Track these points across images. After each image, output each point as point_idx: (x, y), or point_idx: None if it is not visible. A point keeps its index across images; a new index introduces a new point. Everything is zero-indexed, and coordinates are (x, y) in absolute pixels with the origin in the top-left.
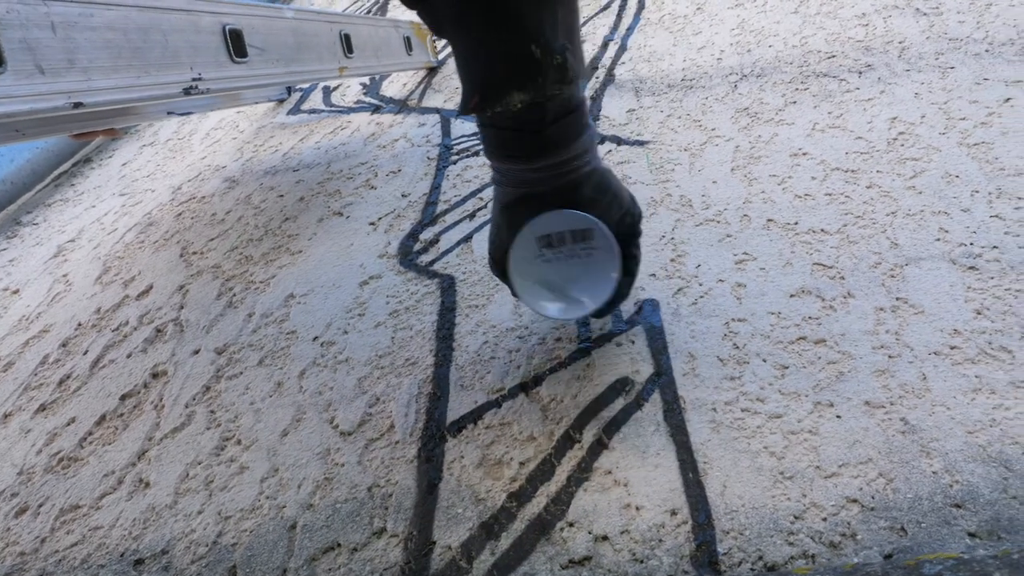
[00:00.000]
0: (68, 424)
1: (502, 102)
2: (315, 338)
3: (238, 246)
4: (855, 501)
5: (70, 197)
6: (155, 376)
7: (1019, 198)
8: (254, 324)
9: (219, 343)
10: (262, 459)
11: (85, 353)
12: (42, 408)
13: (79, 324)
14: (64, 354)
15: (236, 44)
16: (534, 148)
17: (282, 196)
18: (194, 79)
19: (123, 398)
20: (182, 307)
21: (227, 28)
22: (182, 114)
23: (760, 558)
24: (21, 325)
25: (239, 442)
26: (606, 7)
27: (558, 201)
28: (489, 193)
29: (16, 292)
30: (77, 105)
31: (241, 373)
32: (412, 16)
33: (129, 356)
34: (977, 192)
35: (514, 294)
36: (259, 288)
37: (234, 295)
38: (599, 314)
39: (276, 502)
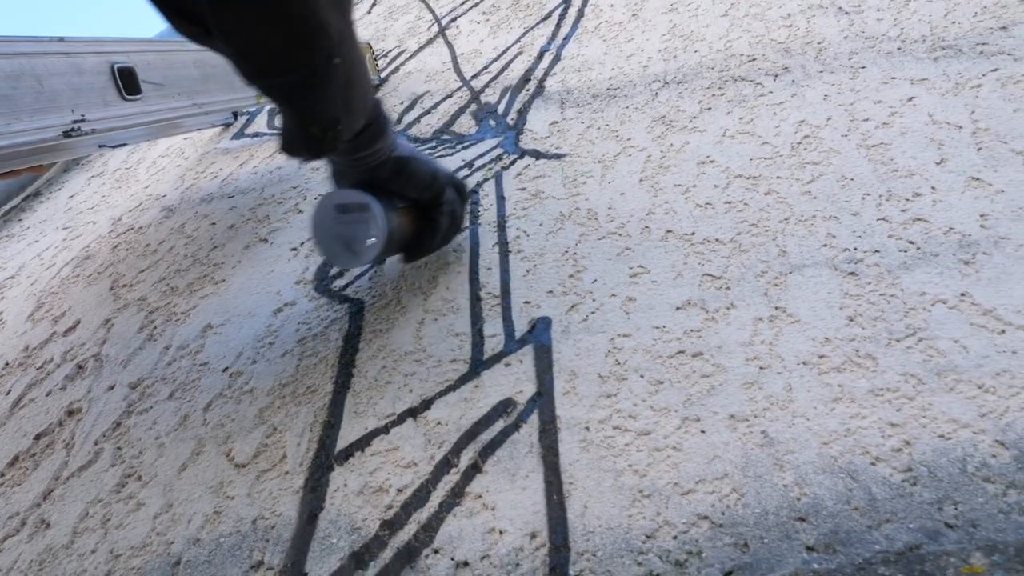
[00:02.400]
0: None
1: (297, 156)
2: (225, 369)
3: (166, 277)
4: (706, 518)
5: (16, 232)
6: (70, 414)
7: (907, 200)
8: (170, 357)
9: (134, 377)
10: (158, 495)
11: (8, 393)
12: None
13: (6, 363)
14: None
15: (127, 82)
16: (346, 150)
17: (214, 224)
18: (75, 121)
19: (37, 437)
20: (104, 342)
21: (116, 67)
22: (114, 146)
23: None
24: None
25: (139, 478)
26: (547, 16)
27: (362, 179)
28: None
29: None
30: None
31: (151, 407)
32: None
33: (48, 394)
34: (868, 195)
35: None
36: (180, 319)
37: (155, 328)
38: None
39: (165, 538)
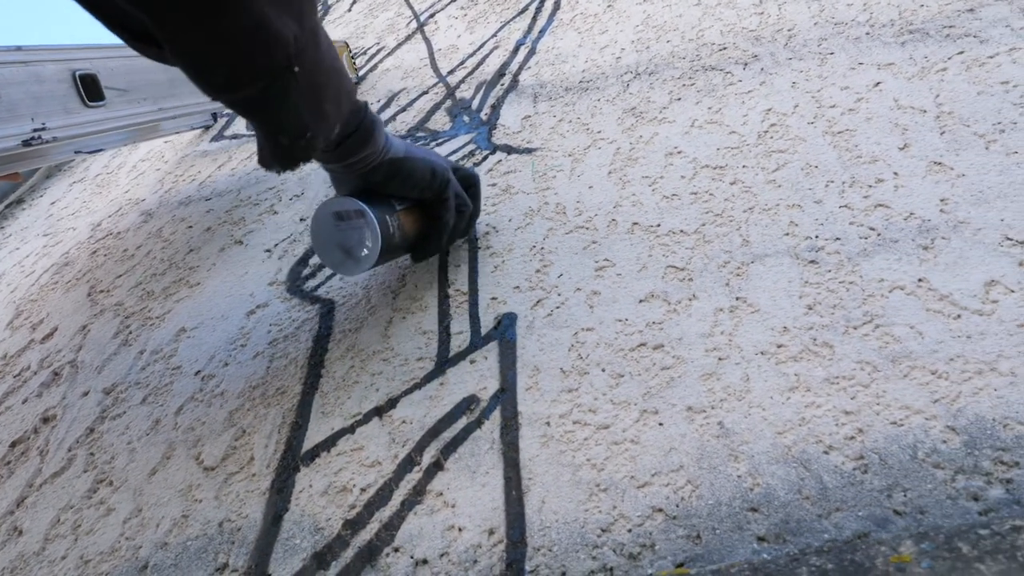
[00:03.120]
0: None
1: (272, 168)
2: (197, 372)
3: (142, 281)
4: (660, 510)
5: None
6: (45, 421)
7: (870, 186)
8: (144, 361)
9: (108, 383)
10: (128, 500)
11: None
12: None
13: None
14: None
15: (90, 89)
16: (332, 159)
17: (191, 227)
18: (35, 130)
19: (13, 445)
20: (80, 348)
21: (78, 74)
22: (90, 152)
23: (563, 573)
24: None
25: (111, 483)
26: (523, 10)
27: (360, 184)
28: None
29: None
30: None
31: (124, 413)
32: (335, 36)
33: (25, 402)
34: (832, 182)
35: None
36: (154, 324)
37: (130, 333)
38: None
39: (134, 543)
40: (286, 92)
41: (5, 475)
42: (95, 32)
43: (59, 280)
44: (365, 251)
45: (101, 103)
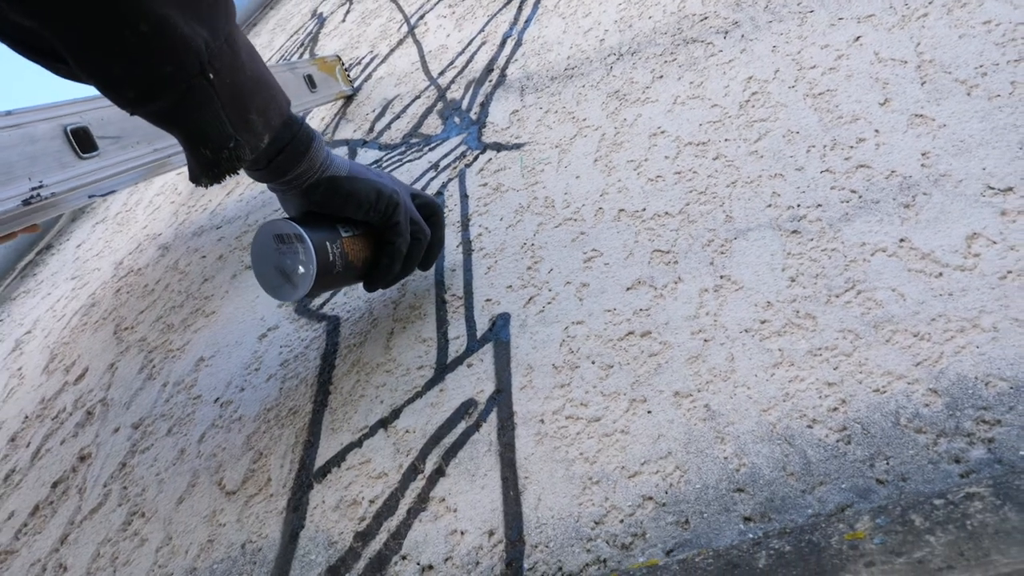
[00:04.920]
0: (8, 519)
1: (199, 183)
2: (216, 399)
3: (163, 315)
4: (650, 499)
5: (31, 288)
6: (82, 459)
7: (851, 147)
8: (167, 393)
9: (136, 417)
10: (159, 529)
11: (28, 445)
12: None
13: (26, 417)
14: (12, 449)
15: (83, 141)
16: (265, 176)
17: (204, 257)
18: (33, 188)
19: (54, 485)
20: (110, 386)
21: (69, 128)
22: (104, 195)
23: (560, 569)
24: None
25: (143, 515)
26: (508, 1)
27: (303, 204)
28: None
29: None
30: None
31: (152, 445)
32: (325, 52)
33: (63, 443)
34: (813, 147)
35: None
36: (175, 355)
37: (154, 367)
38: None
39: (166, 570)
40: (205, 100)
41: (49, 515)
42: (82, 87)
43: (87, 321)
44: (301, 277)
45: (95, 153)
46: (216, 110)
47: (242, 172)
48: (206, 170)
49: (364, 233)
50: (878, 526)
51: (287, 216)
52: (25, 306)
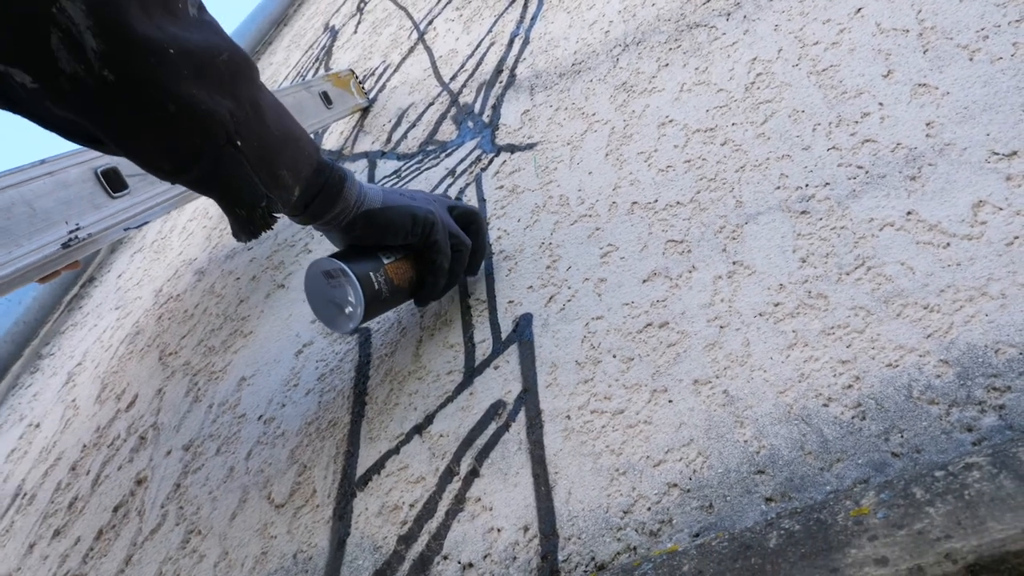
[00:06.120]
0: (75, 544)
1: (240, 239)
2: (259, 417)
3: (203, 339)
4: (675, 485)
5: (78, 320)
6: (139, 483)
7: (856, 122)
8: (213, 414)
9: (186, 440)
10: (215, 545)
11: (88, 473)
12: (56, 533)
13: (84, 446)
14: (73, 477)
15: (113, 181)
16: (305, 220)
17: (238, 279)
18: (71, 231)
19: (115, 510)
20: (159, 411)
21: (99, 170)
22: (138, 226)
23: (593, 559)
24: (41, 457)
25: (199, 532)
26: (513, 1)
27: (345, 239)
28: None
29: (38, 426)
30: None
31: (203, 465)
32: (339, 65)
33: (119, 468)
34: (819, 125)
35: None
36: (218, 377)
37: (199, 389)
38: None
39: None
40: (234, 166)
41: (112, 538)
42: None
43: (133, 349)
44: (350, 310)
45: (126, 192)
46: (246, 173)
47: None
48: (243, 228)
49: (406, 255)
50: (882, 501)
51: (332, 253)
52: (74, 339)
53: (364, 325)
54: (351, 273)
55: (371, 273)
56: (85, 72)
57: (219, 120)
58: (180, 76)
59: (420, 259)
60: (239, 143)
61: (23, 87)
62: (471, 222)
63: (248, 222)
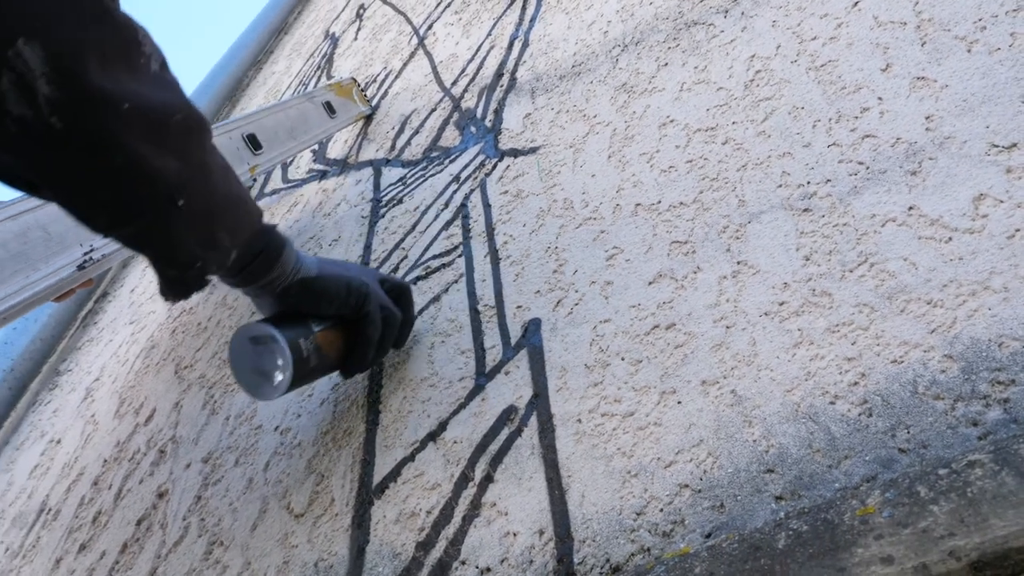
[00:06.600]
0: (101, 558)
1: (168, 299)
2: (276, 428)
3: (218, 351)
4: (686, 486)
5: (94, 336)
6: (160, 496)
7: (855, 117)
8: (231, 426)
9: (205, 452)
10: (238, 555)
11: (110, 487)
12: (82, 548)
13: (105, 460)
14: (95, 492)
15: None
16: (238, 283)
17: None
18: (86, 253)
19: (138, 523)
20: (177, 424)
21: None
22: None
23: (607, 560)
24: (64, 472)
25: (221, 543)
26: (512, 1)
27: (277, 305)
28: (409, 242)
29: (59, 441)
30: None
31: (222, 477)
32: (341, 72)
33: (141, 482)
34: (819, 121)
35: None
36: (234, 389)
37: (215, 402)
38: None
39: None
40: (171, 225)
41: (137, 551)
42: None
43: (149, 364)
44: (278, 376)
45: None
46: (182, 233)
47: (216, 280)
48: (172, 287)
49: (335, 325)
50: (887, 500)
51: (260, 319)
52: (91, 354)
53: (287, 393)
54: (280, 338)
55: (300, 340)
56: (33, 117)
57: (163, 180)
58: (131, 132)
59: (350, 330)
60: (181, 202)
61: None
62: (400, 295)
63: (179, 282)
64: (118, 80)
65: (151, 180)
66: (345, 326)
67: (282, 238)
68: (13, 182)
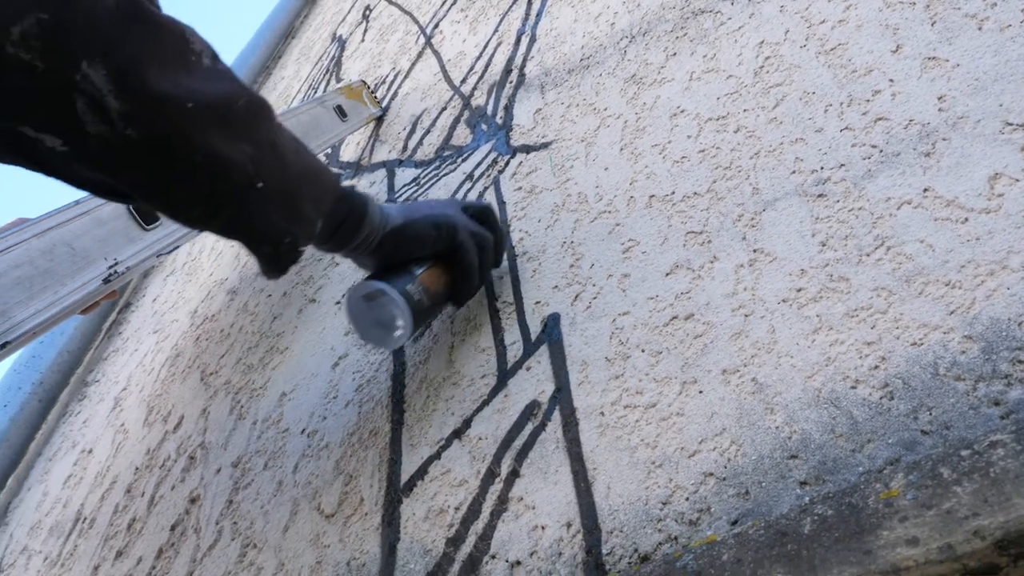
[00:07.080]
0: (137, 564)
1: (269, 276)
2: (303, 430)
3: (242, 357)
4: (711, 474)
5: (119, 346)
6: (192, 501)
7: (867, 100)
8: (258, 431)
9: (234, 457)
10: (271, 557)
11: (143, 495)
12: (119, 555)
13: (136, 468)
14: (129, 500)
15: (145, 214)
16: (332, 248)
17: (270, 296)
18: (111, 266)
19: (172, 528)
20: (206, 430)
21: (131, 206)
22: (170, 251)
23: (635, 550)
24: (97, 481)
25: (255, 546)
26: None
27: (374, 261)
28: None
29: (90, 451)
30: (4, 345)
31: (252, 481)
32: (350, 75)
33: (173, 488)
34: (831, 106)
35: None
36: (259, 394)
37: (242, 407)
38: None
39: None
40: (258, 207)
41: (172, 556)
42: None
43: (175, 372)
44: (400, 324)
45: (157, 223)
46: (268, 213)
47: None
48: (270, 265)
49: (435, 263)
50: (911, 482)
51: (365, 277)
52: (117, 364)
53: (412, 338)
54: (390, 290)
55: (408, 286)
56: (110, 133)
57: (238, 167)
58: (200, 128)
59: (450, 263)
60: (260, 184)
61: (53, 151)
62: (485, 218)
63: (274, 259)
64: (177, 82)
65: (227, 171)
66: (445, 261)
67: (363, 197)
68: (109, 195)
